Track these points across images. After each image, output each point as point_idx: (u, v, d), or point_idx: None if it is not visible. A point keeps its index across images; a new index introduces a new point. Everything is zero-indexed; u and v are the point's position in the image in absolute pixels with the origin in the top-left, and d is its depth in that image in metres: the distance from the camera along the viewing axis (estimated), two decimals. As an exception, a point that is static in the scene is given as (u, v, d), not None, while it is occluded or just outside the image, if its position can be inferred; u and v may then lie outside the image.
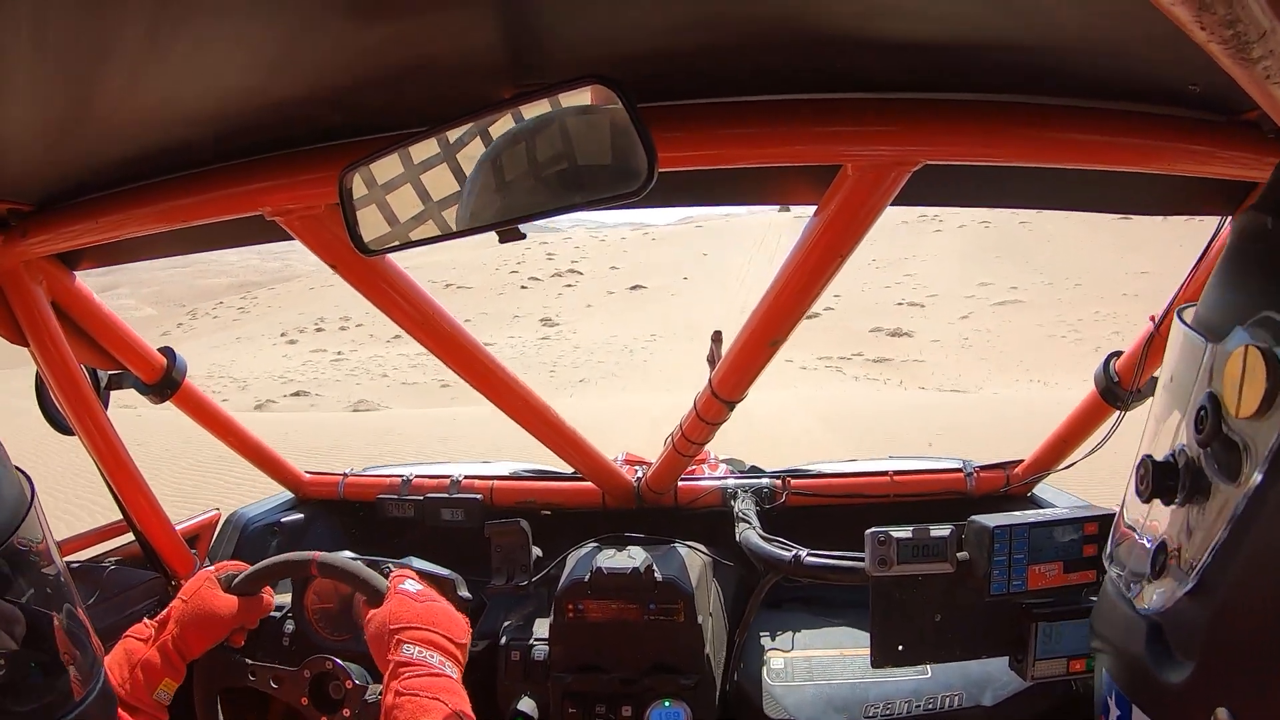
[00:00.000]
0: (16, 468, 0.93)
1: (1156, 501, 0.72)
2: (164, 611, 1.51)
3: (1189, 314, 0.74)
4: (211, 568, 1.61)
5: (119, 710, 1.33)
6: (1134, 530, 0.78)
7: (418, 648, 1.33)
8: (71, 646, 0.93)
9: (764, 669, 1.83)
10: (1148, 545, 0.73)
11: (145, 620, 1.51)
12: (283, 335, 38.23)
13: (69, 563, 1.64)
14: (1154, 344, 1.57)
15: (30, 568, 0.88)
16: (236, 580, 1.58)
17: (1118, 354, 1.79)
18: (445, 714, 1.23)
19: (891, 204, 1.28)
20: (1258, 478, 0.59)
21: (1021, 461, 2.10)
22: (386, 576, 1.54)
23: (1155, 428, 0.76)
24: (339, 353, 32.88)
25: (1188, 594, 0.65)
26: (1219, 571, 0.62)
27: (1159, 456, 0.71)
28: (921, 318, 32.81)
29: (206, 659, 1.57)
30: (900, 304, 34.75)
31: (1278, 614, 0.59)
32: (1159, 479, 0.70)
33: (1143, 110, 1.14)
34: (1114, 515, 0.86)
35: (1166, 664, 0.68)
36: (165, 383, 1.95)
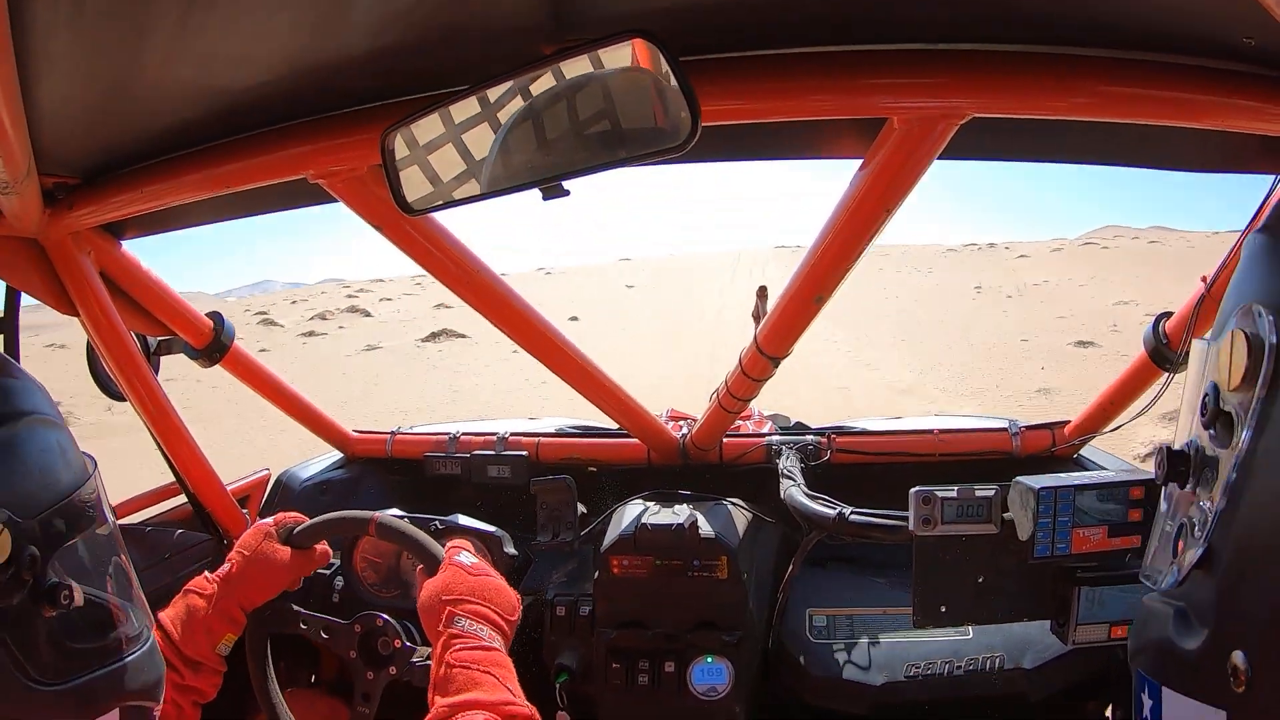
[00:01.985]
0: (83, 452, 0.97)
1: (1174, 487, 0.83)
2: (224, 567, 1.55)
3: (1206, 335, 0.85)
4: (270, 520, 1.64)
5: (181, 664, 1.38)
6: (1163, 524, 0.87)
7: (469, 620, 1.35)
8: (122, 602, 0.97)
9: (806, 626, 1.84)
10: (1170, 535, 0.83)
11: (205, 575, 1.55)
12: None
13: (124, 525, 1.69)
14: (1205, 305, 1.53)
15: (86, 527, 0.93)
16: (295, 533, 1.61)
17: (1167, 315, 1.75)
18: (494, 687, 1.25)
19: (938, 158, 1.25)
20: (1246, 435, 0.69)
21: (1069, 422, 2.07)
22: (434, 534, 1.56)
23: (1180, 426, 0.86)
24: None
25: (1198, 563, 0.74)
26: (1223, 534, 0.71)
27: (1176, 446, 0.83)
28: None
29: (260, 606, 1.61)
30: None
31: (1271, 565, 0.67)
32: (1172, 464, 0.81)
33: (1194, 63, 1.10)
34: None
35: (1187, 634, 0.75)
36: (214, 346, 1.99)
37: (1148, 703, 0.81)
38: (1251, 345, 0.71)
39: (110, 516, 0.99)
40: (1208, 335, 0.83)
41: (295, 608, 1.65)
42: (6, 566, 0.82)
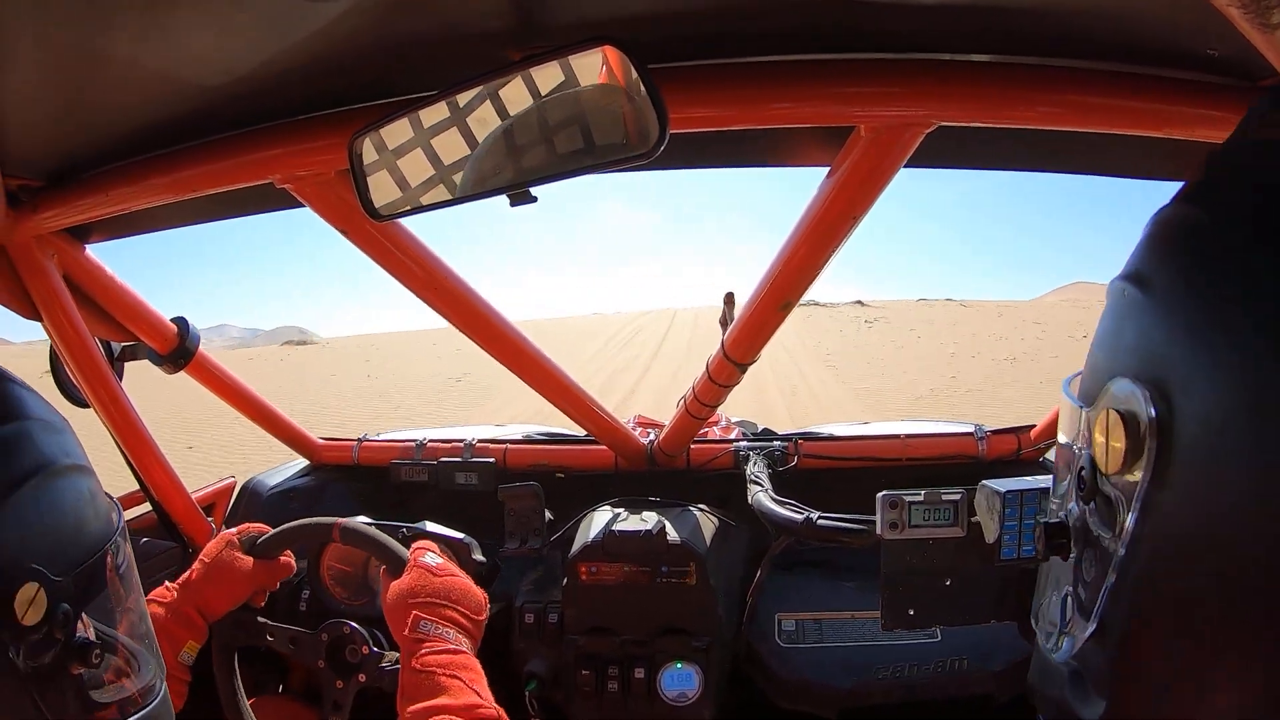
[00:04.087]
0: (106, 494, 0.95)
1: (1057, 560, 0.80)
2: (185, 574, 1.53)
3: (1075, 383, 0.80)
4: (233, 530, 1.62)
5: None
6: (1046, 587, 0.85)
7: (435, 624, 1.34)
8: (142, 651, 0.96)
9: (775, 631, 1.85)
10: (1056, 599, 0.80)
11: (166, 584, 1.52)
12: None
13: None
14: None
15: (115, 580, 0.91)
16: (258, 543, 1.60)
17: None
18: (461, 690, 1.24)
19: (905, 165, 1.27)
20: (1130, 524, 0.65)
21: (1034, 427, 2.10)
22: (402, 541, 1.56)
23: (1056, 491, 0.83)
24: None
25: (1091, 637, 0.71)
26: (1112, 612, 0.69)
27: (1052, 519, 0.79)
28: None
29: (225, 619, 1.59)
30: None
31: (1165, 644, 0.65)
32: (1051, 538, 0.78)
33: (1159, 74, 1.13)
34: None
35: (1085, 703, 0.73)
36: (179, 352, 1.96)
37: None
38: (1128, 426, 0.65)
39: (132, 564, 0.96)
40: (1075, 389, 0.79)
41: (261, 620, 1.64)
42: (40, 626, 0.79)
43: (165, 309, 1.94)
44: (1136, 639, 0.67)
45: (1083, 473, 0.72)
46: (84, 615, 0.84)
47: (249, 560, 1.56)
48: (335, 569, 1.91)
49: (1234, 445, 0.57)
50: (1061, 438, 0.81)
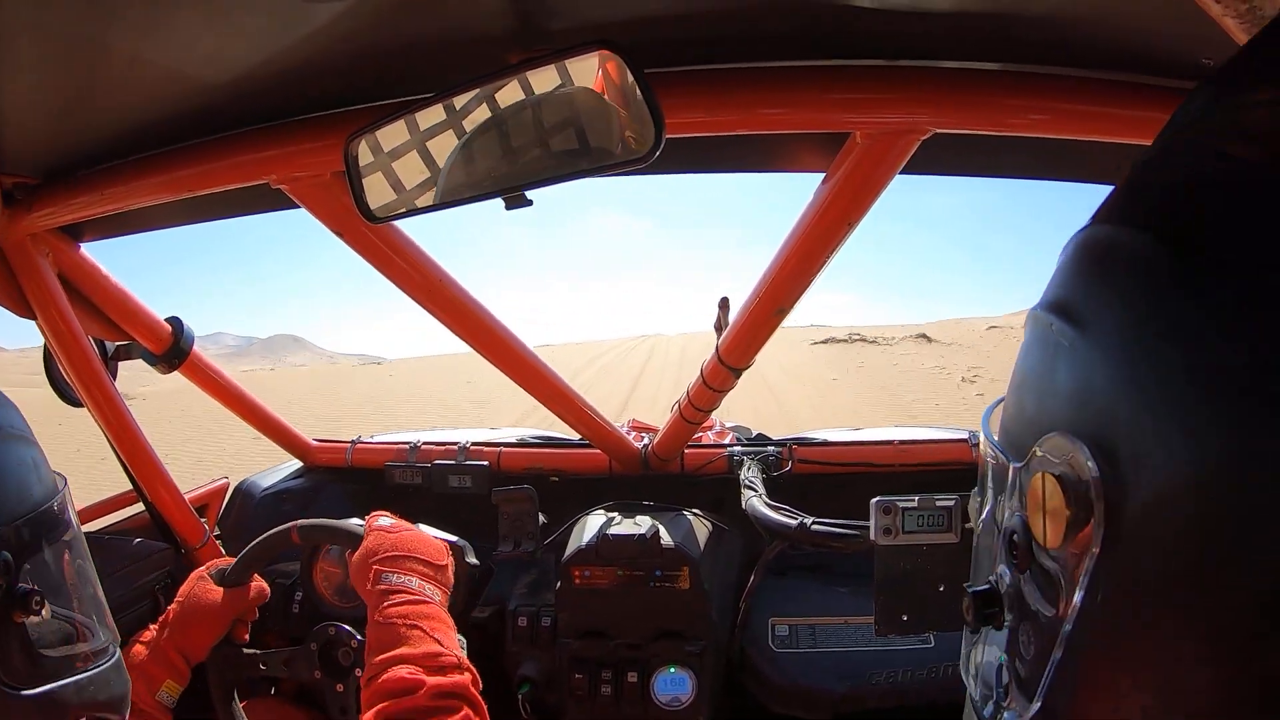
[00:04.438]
0: (54, 471, 0.98)
1: (988, 629, 0.69)
2: (164, 614, 1.53)
3: (995, 419, 0.69)
4: (203, 567, 1.62)
5: None
6: (976, 651, 0.75)
7: (396, 574, 1.33)
8: (89, 617, 0.97)
9: (769, 636, 1.84)
10: (992, 664, 0.70)
11: (151, 625, 1.55)
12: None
13: (84, 532, 1.67)
14: None
15: (57, 540, 0.93)
16: (228, 573, 1.59)
17: None
18: (421, 639, 1.23)
19: (900, 173, 1.27)
20: (1078, 600, 0.55)
21: None
22: None
23: (979, 547, 0.72)
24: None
25: (1036, 715, 0.61)
26: (1062, 692, 0.59)
27: (979, 584, 0.68)
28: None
29: (216, 658, 1.59)
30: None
31: None
32: (979, 609, 0.67)
33: (1155, 83, 1.13)
34: None
35: None
36: (173, 352, 1.96)
37: None
38: (1069, 493, 0.54)
39: (80, 533, 0.99)
40: (997, 429, 0.67)
41: (249, 651, 1.63)
42: None
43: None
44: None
45: (1015, 538, 0.62)
46: (28, 569, 0.87)
47: (219, 591, 1.56)
48: (329, 574, 1.91)
49: (1180, 528, 0.48)
50: (984, 483, 0.70)
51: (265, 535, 1.60)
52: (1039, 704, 0.60)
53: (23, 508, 0.89)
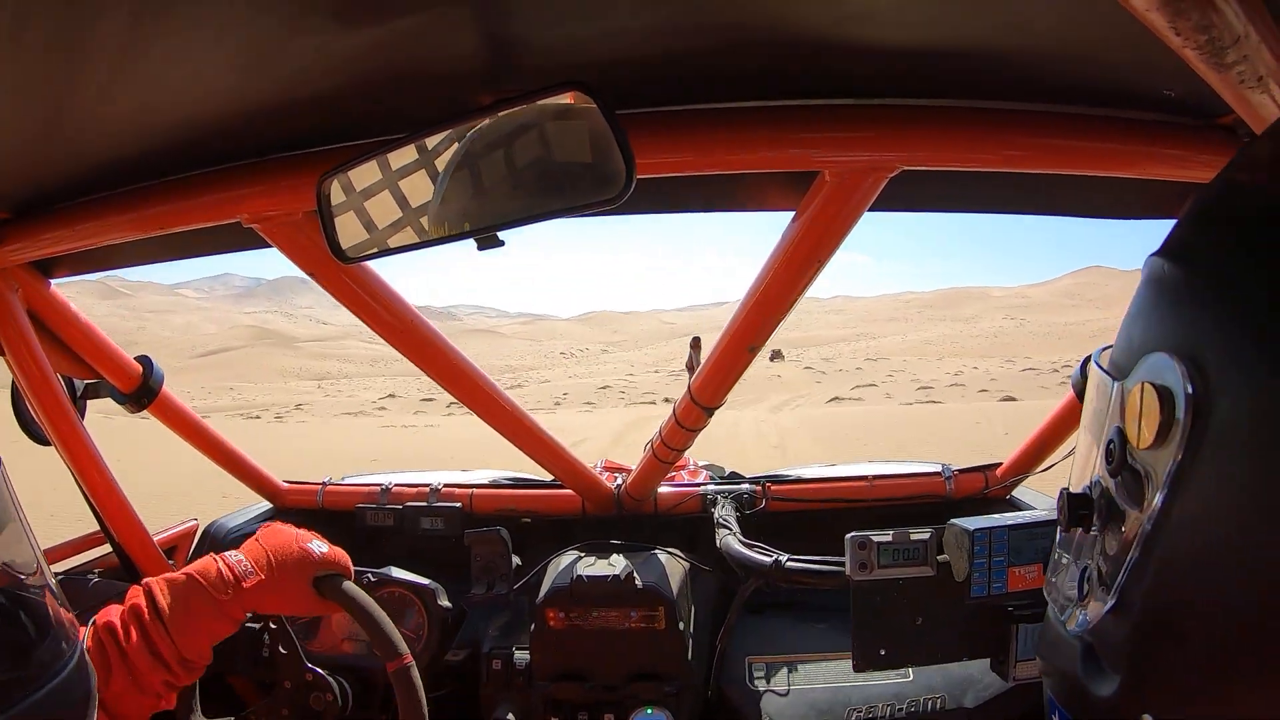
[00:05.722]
0: None
1: (1079, 530, 0.79)
2: (250, 577, 1.34)
3: (1105, 356, 0.80)
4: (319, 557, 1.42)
5: (175, 665, 1.23)
6: (1063, 559, 0.84)
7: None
8: (44, 615, 0.86)
9: (746, 674, 1.83)
10: (1074, 571, 0.79)
11: (220, 567, 1.34)
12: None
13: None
14: None
15: None
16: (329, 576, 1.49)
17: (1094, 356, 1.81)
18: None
19: (869, 209, 1.29)
20: (1159, 501, 0.65)
21: (1000, 464, 2.12)
22: (366, 588, 1.50)
23: (1080, 461, 0.82)
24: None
25: (1110, 611, 0.70)
26: (1134, 588, 0.68)
27: (1075, 489, 0.78)
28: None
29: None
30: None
31: (1187, 624, 0.64)
32: (1074, 509, 0.76)
33: (1119, 115, 1.16)
34: None
35: (1098, 679, 0.73)
36: (142, 391, 1.94)
37: None
38: (1163, 401, 0.64)
39: (21, 516, 0.87)
40: (1106, 361, 0.78)
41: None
42: None
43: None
44: (1156, 617, 0.66)
45: (1111, 445, 0.72)
46: None
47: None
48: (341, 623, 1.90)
49: (1254, 437, 0.58)
50: (1087, 411, 0.81)
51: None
52: (1114, 599, 0.69)
53: None
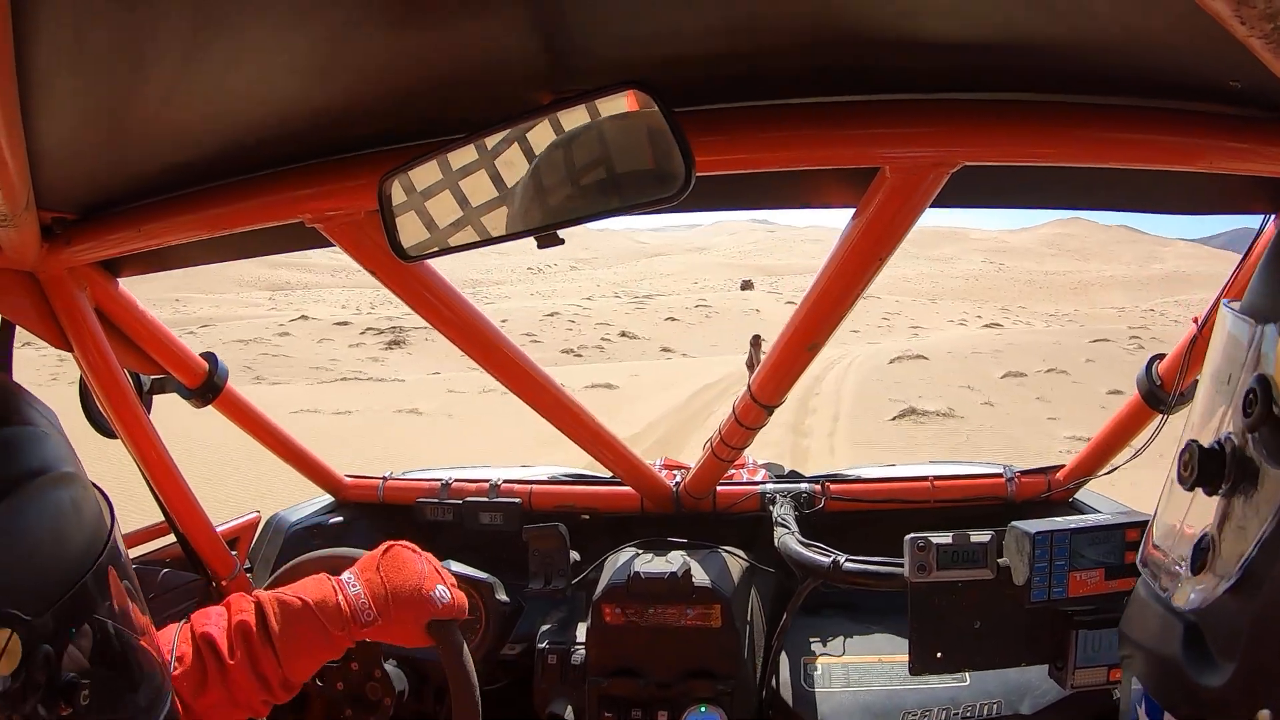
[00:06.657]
0: (94, 485, 0.88)
1: (1199, 493, 0.68)
2: (368, 614, 1.33)
3: (1234, 305, 0.72)
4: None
5: (278, 687, 1.24)
6: (1175, 525, 0.74)
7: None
8: (146, 668, 0.89)
9: (801, 675, 1.82)
10: (1189, 539, 0.70)
11: (344, 595, 1.34)
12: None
13: None
14: (1197, 347, 1.53)
15: (104, 601, 0.83)
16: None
17: (1160, 357, 1.76)
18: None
19: (930, 206, 1.26)
20: None
21: (1063, 467, 2.08)
22: None
23: (1200, 418, 0.72)
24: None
25: (1229, 590, 0.62)
26: (1265, 565, 0.59)
27: (1205, 444, 0.68)
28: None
29: None
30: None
31: None
32: (1204, 465, 0.66)
33: (1183, 108, 1.12)
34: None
35: (1204, 666, 0.64)
36: (207, 387, 1.98)
37: (1145, 719, 0.74)
38: None
39: (129, 571, 0.90)
40: (1237, 305, 0.70)
41: None
42: (18, 673, 0.71)
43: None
44: None
45: (1251, 395, 0.62)
46: (72, 649, 0.77)
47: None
48: None
49: None
50: (1212, 364, 0.73)
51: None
52: (1238, 576, 0.60)
53: (61, 578, 0.78)
